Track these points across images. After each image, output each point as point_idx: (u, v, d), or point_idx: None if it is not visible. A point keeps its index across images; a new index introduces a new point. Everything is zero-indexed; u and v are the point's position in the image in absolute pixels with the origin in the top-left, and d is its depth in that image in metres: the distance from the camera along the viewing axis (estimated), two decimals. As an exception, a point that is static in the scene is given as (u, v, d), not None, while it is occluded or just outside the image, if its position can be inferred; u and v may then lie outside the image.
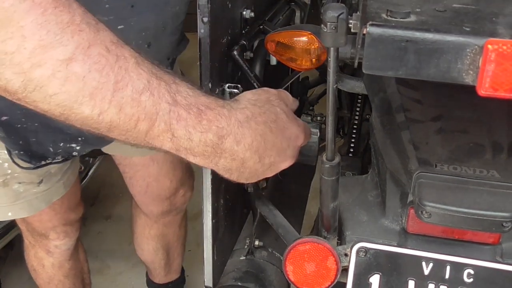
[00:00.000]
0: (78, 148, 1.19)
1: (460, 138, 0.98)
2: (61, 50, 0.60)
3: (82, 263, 1.77)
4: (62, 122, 0.67)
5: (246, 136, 0.76)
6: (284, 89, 1.32)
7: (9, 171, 1.24)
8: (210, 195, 0.95)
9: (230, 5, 0.93)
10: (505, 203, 0.85)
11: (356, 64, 0.75)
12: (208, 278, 1.04)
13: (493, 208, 0.84)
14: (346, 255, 0.95)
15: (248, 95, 0.83)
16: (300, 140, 0.87)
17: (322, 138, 1.29)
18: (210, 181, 0.94)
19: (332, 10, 0.71)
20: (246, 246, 1.19)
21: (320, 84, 1.75)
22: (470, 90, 0.68)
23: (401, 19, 0.69)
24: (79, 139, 1.17)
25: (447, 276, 0.90)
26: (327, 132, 0.85)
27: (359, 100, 1.67)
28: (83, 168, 2.26)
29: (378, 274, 0.93)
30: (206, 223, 0.98)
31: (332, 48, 0.75)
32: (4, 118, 1.09)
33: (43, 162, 1.19)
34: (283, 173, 1.43)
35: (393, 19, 0.69)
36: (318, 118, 1.45)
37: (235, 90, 0.95)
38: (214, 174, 0.94)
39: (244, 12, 1.01)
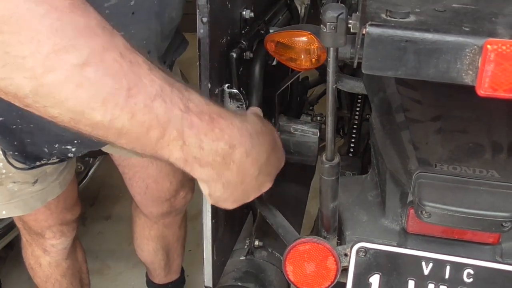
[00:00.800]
0: (73, 149, 1.19)
1: (460, 138, 0.98)
2: (75, 54, 0.59)
3: (81, 263, 1.77)
4: (68, 129, 0.66)
5: (255, 149, 0.77)
6: (284, 89, 1.32)
7: (4, 171, 1.24)
8: (210, 195, 0.95)
9: (229, 5, 0.93)
10: (505, 203, 0.85)
11: (355, 64, 0.75)
12: (208, 278, 1.04)
13: (493, 208, 0.84)
14: (346, 255, 0.95)
15: (251, 113, 0.86)
16: (282, 164, 0.90)
17: (322, 138, 1.30)
18: (210, 181, 0.94)
19: (332, 10, 0.71)
20: (246, 246, 1.19)
21: (320, 84, 1.75)
22: (470, 90, 0.68)
23: (401, 19, 0.69)
24: (75, 142, 1.17)
25: (447, 276, 0.90)
26: (327, 132, 0.85)
27: (359, 100, 1.67)
28: (83, 168, 2.26)
29: (378, 274, 0.93)
30: (206, 223, 0.98)
31: (331, 48, 0.75)
32: (0, 119, 1.09)
33: (37, 163, 1.19)
34: (283, 173, 1.44)
35: (393, 19, 0.69)
36: (318, 118, 1.45)
37: (235, 91, 0.95)
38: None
39: (244, 12, 1.01)
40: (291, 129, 1.28)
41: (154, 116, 0.65)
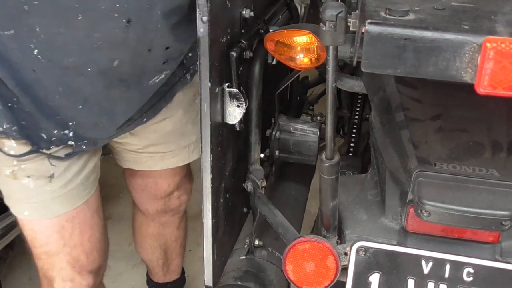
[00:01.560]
0: (71, 135, 1.16)
1: (460, 137, 0.98)
2: None
3: None
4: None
5: None
6: (284, 88, 1.33)
7: (15, 162, 1.19)
8: (210, 195, 0.95)
9: (229, 4, 0.93)
10: (505, 201, 0.85)
11: (355, 63, 0.76)
12: (208, 278, 1.04)
13: (493, 207, 0.84)
14: (345, 254, 0.95)
15: None
16: None
17: (321, 138, 1.30)
18: (210, 181, 0.94)
19: (331, 9, 0.71)
20: (246, 246, 1.19)
21: (319, 83, 1.76)
22: (469, 88, 0.68)
23: (400, 18, 0.69)
24: (70, 123, 1.14)
25: (446, 274, 0.90)
26: (327, 131, 0.85)
27: (359, 100, 1.67)
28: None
29: (378, 273, 0.93)
30: (206, 222, 0.98)
31: (331, 47, 0.75)
32: None
33: (40, 149, 1.16)
34: (283, 173, 1.44)
35: (392, 17, 0.69)
36: (318, 117, 1.45)
37: (235, 90, 0.95)
38: (214, 174, 0.94)
39: (244, 12, 1.01)
40: (291, 128, 1.28)
41: None
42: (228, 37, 0.95)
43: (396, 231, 0.97)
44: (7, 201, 1.28)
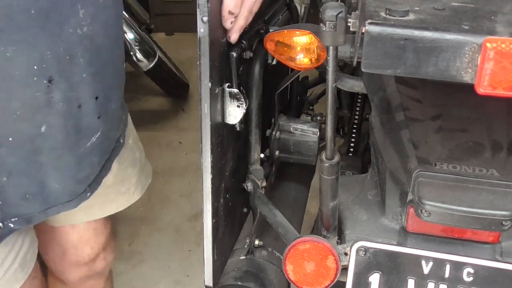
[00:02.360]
0: None
1: (460, 137, 0.98)
2: None
3: None
4: None
5: None
6: (284, 88, 1.33)
7: None
8: (210, 195, 0.95)
9: (229, 4, 0.93)
10: (505, 201, 0.85)
11: (355, 63, 0.75)
12: (208, 278, 1.04)
13: (493, 207, 0.84)
14: (346, 254, 0.95)
15: None
16: None
17: (322, 138, 1.30)
18: (210, 181, 0.94)
19: (331, 9, 0.71)
20: (246, 246, 1.19)
21: (319, 83, 1.76)
22: (469, 88, 0.68)
23: (400, 18, 0.69)
24: None
25: (446, 275, 0.90)
26: (327, 130, 0.85)
27: (359, 100, 1.67)
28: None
29: (378, 273, 0.93)
30: (206, 223, 0.98)
31: (331, 47, 0.75)
32: None
33: None
34: (283, 173, 1.44)
35: (392, 17, 0.69)
36: (318, 118, 1.45)
37: (235, 90, 0.95)
38: (214, 174, 0.94)
39: (244, 12, 1.01)
40: (291, 128, 1.28)
41: None
42: (228, 37, 0.95)
43: (396, 231, 0.97)
44: None
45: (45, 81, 0.87)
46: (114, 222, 1.47)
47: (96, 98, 0.98)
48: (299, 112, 1.58)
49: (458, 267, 0.90)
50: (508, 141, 0.97)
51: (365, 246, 0.92)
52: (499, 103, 0.92)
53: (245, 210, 1.22)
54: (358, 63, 0.73)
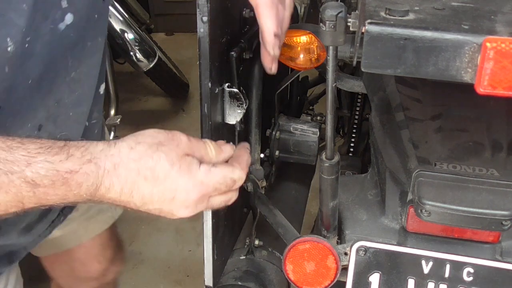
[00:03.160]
0: None
1: (460, 137, 0.98)
2: None
3: None
4: None
5: (115, 183, 0.75)
6: (284, 88, 1.32)
7: None
8: (210, 195, 0.95)
9: (229, 4, 0.93)
10: (505, 201, 0.85)
11: (355, 63, 0.75)
12: (208, 278, 1.04)
13: (493, 207, 0.84)
14: (346, 254, 0.95)
15: (134, 137, 0.79)
16: (193, 195, 0.78)
17: (322, 138, 1.30)
18: (210, 181, 0.94)
19: (331, 8, 0.71)
20: (246, 246, 1.19)
21: (319, 83, 1.76)
22: (469, 88, 0.68)
23: (400, 17, 0.69)
24: None
25: (446, 274, 0.90)
26: (327, 130, 0.85)
27: (359, 100, 1.67)
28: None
29: (378, 272, 0.93)
30: (206, 223, 0.98)
31: (331, 47, 0.75)
32: None
33: None
34: (283, 173, 1.44)
35: (392, 17, 0.69)
36: (318, 117, 1.45)
37: (235, 90, 0.95)
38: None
39: (244, 12, 1.01)
40: (291, 128, 1.28)
41: (4, 206, 0.70)
42: (228, 37, 0.95)
43: (396, 231, 0.97)
44: None
45: (36, 132, 0.87)
46: (118, 235, 1.45)
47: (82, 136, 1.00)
48: (299, 112, 1.58)
49: (458, 267, 0.90)
50: (508, 141, 0.97)
51: (365, 246, 0.92)
52: (499, 103, 0.92)
53: (245, 210, 1.22)
54: (358, 63, 0.72)
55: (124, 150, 0.77)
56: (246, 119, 1.05)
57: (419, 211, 0.86)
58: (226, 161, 0.85)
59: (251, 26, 1.05)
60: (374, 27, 0.67)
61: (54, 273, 1.40)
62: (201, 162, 0.80)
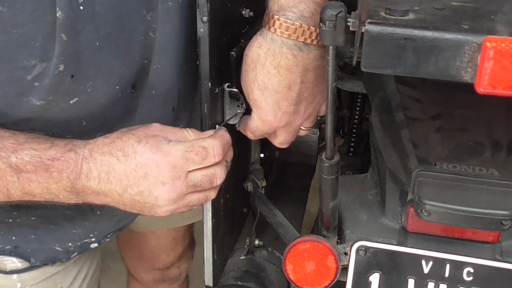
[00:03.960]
0: (94, 239, 1.01)
1: (460, 137, 0.98)
2: None
3: None
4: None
5: (92, 169, 0.77)
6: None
7: (19, 285, 1.00)
8: (210, 195, 0.95)
9: (229, 4, 0.93)
10: (505, 201, 0.85)
11: (354, 62, 0.75)
12: (208, 278, 1.04)
13: (493, 206, 0.84)
14: (346, 254, 0.95)
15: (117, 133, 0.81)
16: (164, 167, 0.78)
17: (321, 138, 1.30)
18: (210, 181, 0.94)
19: (331, 8, 0.71)
20: (246, 246, 1.19)
21: (319, 83, 1.75)
22: (469, 88, 0.68)
23: (400, 17, 0.69)
24: (91, 235, 1.00)
25: (447, 274, 0.90)
26: (327, 130, 0.85)
27: (359, 100, 1.67)
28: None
29: (378, 272, 0.93)
30: (206, 222, 0.98)
31: (331, 47, 0.75)
32: None
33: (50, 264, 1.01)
34: (283, 173, 1.43)
35: (392, 17, 0.69)
36: (318, 117, 1.45)
37: (235, 90, 0.95)
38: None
39: (244, 12, 1.01)
40: (291, 128, 1.28)
41: None
42: (228, 37, 0.95)
43: (396, 230, 0.97)
44: None
45: (128, 90, 0.87)
46: (192, 235, 1.48)
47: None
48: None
49: (458, 266, 0.90)
50: (508, 141, 0.97)
51: (365, 246, 0.92)
52: (499, 103, 0.92)
53: (245, 210, 1.22)
54: (358, 63, 0.72)
55: (99, 138, 0.80)
56: (246, 119, 1.05)
57: (419, 211, 0.86)
58: None
59: (251, 26, 1.05)
60: (374, 27, 0.67)
61: (124, 253, 1.48)
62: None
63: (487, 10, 0.73)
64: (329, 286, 0.95)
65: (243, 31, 1.02)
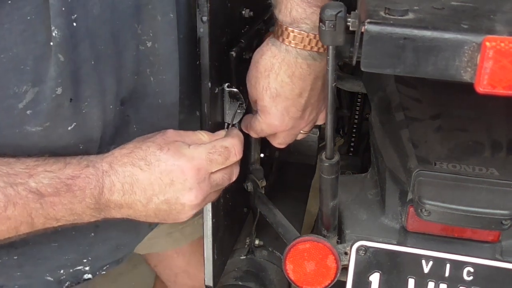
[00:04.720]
0: (87, 269, 0.96)
1: (459, 136, 0.98)
2: None
3: None
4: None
5: (115, 182, 0.75)
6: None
7: None
8: (210, 195, 0.95)
9: (229, 4, 0.93)
10: (504, 200, 0.85)
11: (354, 62, 0.75)
12: (208, 278, 1.04)
13: (492, 206, 0.84)
14: (346, 253, 0.95)
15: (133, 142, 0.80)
16: (189, 172, 0.77)
17: (321, 138, 1.30)
18: (210, 181, 0.94)
19: (331, 8, 0.71)
20: (246, 246, 1.19)
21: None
22: (469, 88, 0.68)
23: (399, 17, 0.69)
24: (85, 261, 0.95)
25: (447, 274, 0.90)
26: (327, 130, 0.85)
27: (358, 100, 1.67)
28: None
29: (378, 272, 0.93)
30: (206, 222, 0.98)
31: (330, 47, 0.75)
32: None
33: None
34: (283, 172, 1.44)
35: (391, 17, 0.69)
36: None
37: (235, 90, 0.95)
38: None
39: (244, 12, 1.01)
40: (291, 128, 1.28)
41: (14, 220, 0.68)
42: (228, 37, 0.95)
43: (396, 230, 0.97)
44: None
45: (118, 108, 0.84)
46: None
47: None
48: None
49: (458, 266, 0.90)
50: (508, 140, 0.97)
51: (365, 246, 0.92)
52: (499, 102, 0.92)
53: (245, 210, 1.22)
54: (358, 62, 0.73)
55: (115, 150, 0.78)
56: (246, 119, 1.05)
57: (419, 210, 0.86)
58: None
59: (251, 26, 1.05)
60: (374, 27, 0.67)
61: (162, 276, 1.43)
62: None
63: (487, 10, 0.73)
64: (329, 286, 0.95)
65: (243, 31, 1.02)
